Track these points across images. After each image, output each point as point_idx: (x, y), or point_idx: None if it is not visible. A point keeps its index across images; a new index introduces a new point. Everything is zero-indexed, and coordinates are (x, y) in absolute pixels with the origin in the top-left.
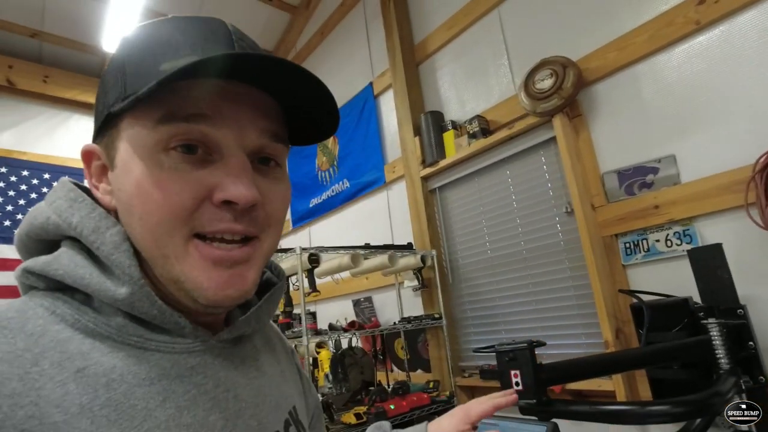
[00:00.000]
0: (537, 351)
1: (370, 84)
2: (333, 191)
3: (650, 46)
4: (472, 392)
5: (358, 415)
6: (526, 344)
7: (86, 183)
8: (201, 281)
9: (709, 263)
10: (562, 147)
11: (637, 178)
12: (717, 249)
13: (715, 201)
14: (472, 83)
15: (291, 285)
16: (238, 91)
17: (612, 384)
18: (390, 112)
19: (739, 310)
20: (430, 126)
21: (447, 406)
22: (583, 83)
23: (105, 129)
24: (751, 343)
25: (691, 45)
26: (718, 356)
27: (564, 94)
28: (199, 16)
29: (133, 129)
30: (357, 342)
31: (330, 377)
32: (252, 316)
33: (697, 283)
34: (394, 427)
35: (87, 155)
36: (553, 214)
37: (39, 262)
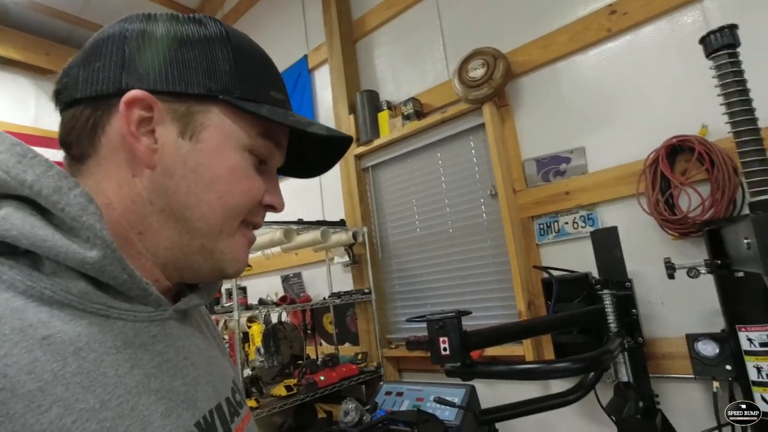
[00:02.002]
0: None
1: (305, 57)
2: None
3: (570, 46)
4: (398, 362)
5: (288, 387)
6: (454, 314)
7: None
8: (239, 255)
9: (606, 243)
10: (490, 134)
11: (553, 166)
12: (613, 231)
13: (614, 189)
14: (409, 65)
15: None
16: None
17: (522, 349)
18: (325, 87)
19: (627, 283)
20: (366, 105)
21: (374, 375)
22: (511, 75)
23: (185, 97)
24: (634, 310)
25: (603, 50)
26: (608, 322)
27: (494, 84)
28: (263, 51)
29: (232, 123)
30: (286, 317)
31: (261, 351)
32: (204, 288)
33: (596, 260)
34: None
35: (137, 101)
36: (479, 196)
37: None
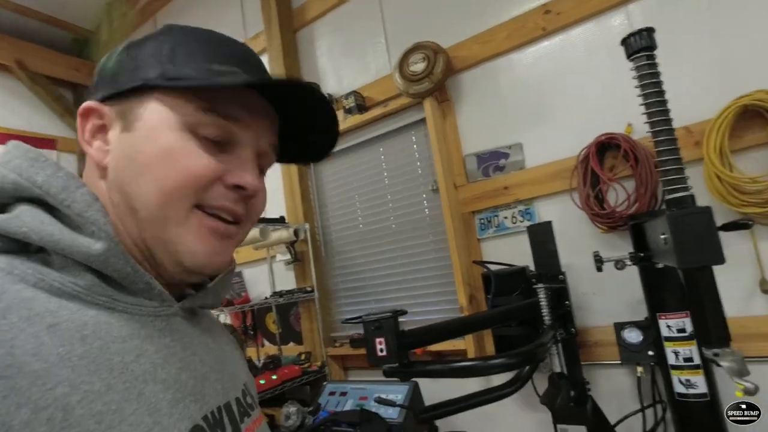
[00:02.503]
0: (401, 318)
1: None
2: None
3: (508, 43)
4: (343, 360)
5: None
6: (390, 314)
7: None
8: (195, 246)
9: (542, 238)
10: (431, 129)
11: (492, 161)
12: (548, 226)
13: (549, 185)
14: (351, 57)
15: None
16: (263, 106)
17: (464, 343)
18: None
19: (560, 276)
20: None
21: (319, 375)
22: (451, 70)
23: (126, 95)
24: (567, 302)
25: (539, 48)
26: (543, 314)
27: (434, 78)
28: (231, 38)
29: (170, 106)
30: (225, 319)
31: None
32: (211, 290)
33: (533, 255)
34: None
35: (88, 112)
36: (421, 191)
37: None
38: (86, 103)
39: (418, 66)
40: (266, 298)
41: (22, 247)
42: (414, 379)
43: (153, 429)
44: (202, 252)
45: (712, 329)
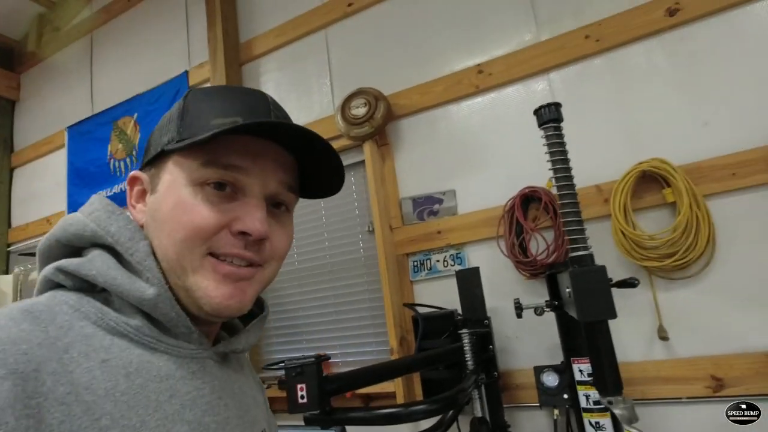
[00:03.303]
0: (332, 359)
1: (186, 72)
2: (121, 188)
3: (444, 96)
4: (272, 402)
5: None
6: (313, 359)
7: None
8: (210, 290)
9: (469, 283)
10: (369, 171)
11: (427, 206)
12: (475, 271)
13: (479, 231)
14: (296, 95)
15: None
16: (266, 147)
17: (393, 386)
18: None
19: (485, 321)
20: None
21: None
22: (392, 116)
23: (155, 162)
24: (491, 347)
25: (472, 103)
26: (466, 359)
27: (374, 123)
28: (249, 89)
29: (180, 165)
30: None
31: None
32: (243, 335)
33: (460, 299)
34: None
35: (133, 180)
36: (357, 231)
37: (73, 262)
38: (132, 173)
39: (359, 110)
40: None
41: (90, 287)
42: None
43: None
44: (217, 296)
45: (607, 378)
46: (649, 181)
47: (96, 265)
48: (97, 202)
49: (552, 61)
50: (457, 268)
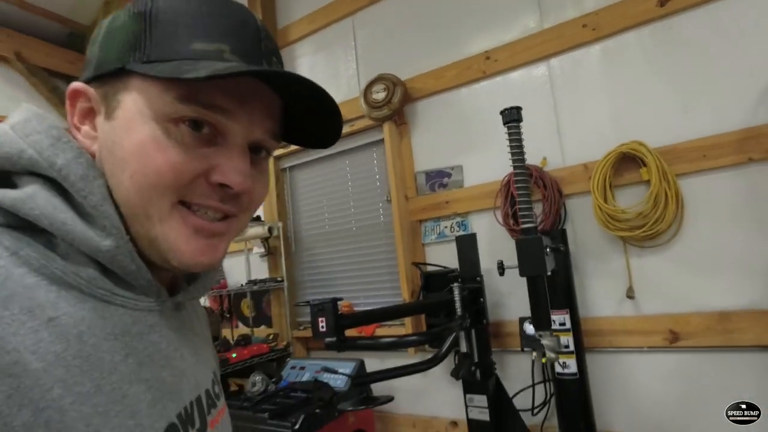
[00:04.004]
0: (356, 305)
1: None
2: None
3: (456, 80)
4: (307, 342)
5: None
6: (330, 300)
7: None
8: (179, 245)
9: (466, 246)
10: (388, 148)
11: (438, 179)
12: (472, 237)
13: (480, 202)
14: (326, 78)
15: None
16: (256, 89)
17: (404, 329)
18: None
19: (477, 278)
20: None
21: (284, 353)
22: (408, 99)
23: (108, 77)
24: (482, 299)
25: (480, 86)
26: (456, 308)
27: (392, 106)
28: (232, 1)
29: (146, 93)
30: (205, 302)
31: None
32: (201, 281)
33: (458, 260)
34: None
35: (76, 94)
36: (378, 201)
37: (8, 196)
38: (73, 85)
39: (379, 95)
40: (242, 285)
41: (29, 224)
42: (360, 357)
43: (134, 431)
44: (187, 251)
45: (541, 317)
46: (629, 161)
47: (39, 203)
48: (35, 120)
49: (552, 48)
50: (462, 233)
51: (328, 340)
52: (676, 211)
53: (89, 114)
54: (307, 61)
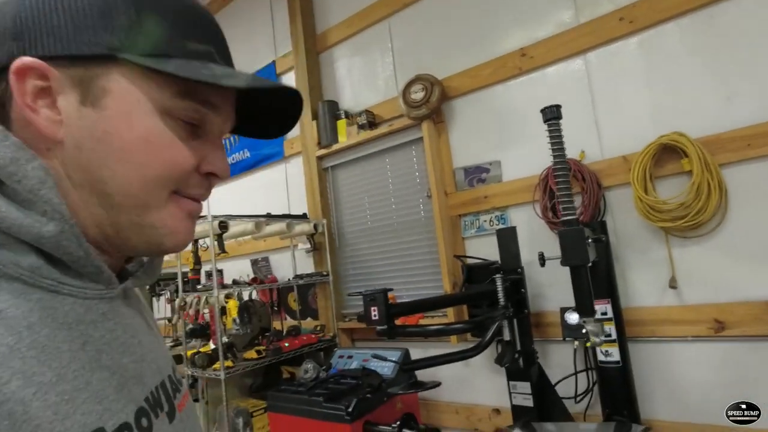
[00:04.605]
0: (398, 297)
1: (273, 62)
2: (233, 159)
3: (492, 78)
4: (351, 333)
5: (258, 352)
6: (381, 290)
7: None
8: (176, 228)
9: (507, 239)
10: (427, 146)
11: (476, 174)
12: (512, 230)
13: (519, 196)
14: (364, 79)
15: (199, 246)
16: (232, 92)
17: (446, 319)
18: None
19: (519, 270)
20: (326, 113)
21: (331, 344)
22: (446, 97)
23: (81, 60)
24: (523, 290)
25: (516, 83)
26: (499, 298)
27: (430, 106)
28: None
29: (143, 86)
30: (256, 295)
31: (237, 321)
32: (148, 269)
33: (499, 252)
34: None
35: (25, 71)
36: (418, 197)
37: None
38: (24, 61)
39: (418, 95)
40: (289, 279)
41: None
42: (405, 347)
43: (103, 416)
44: (181, 233)
45: (585, 304)
46: (670, 152)
47: None
48: None
49: (588, 42)
50: (501, 227)
51: (379, 327)
52: (720, 200)
53: (43, 95)
54: (345, 64)
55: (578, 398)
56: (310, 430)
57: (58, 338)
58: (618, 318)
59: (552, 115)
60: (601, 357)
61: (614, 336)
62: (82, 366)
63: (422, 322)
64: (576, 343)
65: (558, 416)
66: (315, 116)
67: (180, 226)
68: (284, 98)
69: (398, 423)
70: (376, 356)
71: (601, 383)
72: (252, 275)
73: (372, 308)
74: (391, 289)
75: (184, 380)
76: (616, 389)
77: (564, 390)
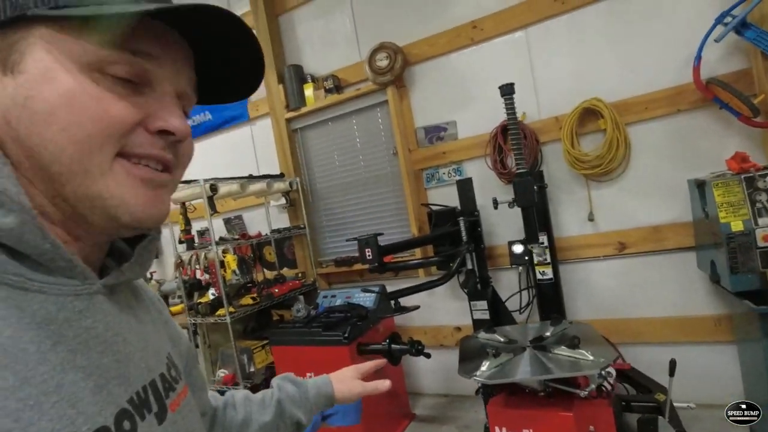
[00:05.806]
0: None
1: None
2: (194, 121)
3: (447, 47)
4: (328, 277)
5: (253, 299)
6: (373, 235)
7: None
8: (127, 198)
9: (464, 188)
10: (392, 109)
11: (435, 133)
12: (468, 181)
13: (473, 151)
14: (327, 44)
15: (187, 209)
16: (173, 35)
17: (416, 256)
18: None
19: (475, 213)
20: (293, 77)
21: (311, 288)
22: (407, 64)
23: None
24: (479, 228)
25: (469, 51)
26: (462, 237)
27: (394, 73)
28: None
29: (60, 42)
30: (234, 252)
31: (237, 272)
32: (135, 262)
33: (459, 199)
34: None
35: None
36: (384, 154)
37: None
38: None
39: (383, 62)
40: (267, 234)
41: None
42: (382, 283)
43: (77, 420)
44: (136, 203)
45: (531, 233)
46: (590, 113)
47: None
48: None
49: (529, 18)
50: (458, 178)
51: (372, 265)
52: (625, 152)
53: None
54: (306, 28)
55: (522, 310)
56: (313, 355)
57: (24, 339)
58: (552, 245)
59: (508, 91)
60: (539, 276)
61: (549, 259)
62: (53, 368)
63: (396, 258)
64: (520, 269)
65: (508, 324)
66: (281, 80)
67: (132, 196)
68: (245, 49)
69: (387, 341)
70: (365, 290)
71: (539, 296)
72: (225, 233)
73: (366, 249)
74: (381, 234)
75: (182, 378)
76: (550, 300)
77: (512, 305)
